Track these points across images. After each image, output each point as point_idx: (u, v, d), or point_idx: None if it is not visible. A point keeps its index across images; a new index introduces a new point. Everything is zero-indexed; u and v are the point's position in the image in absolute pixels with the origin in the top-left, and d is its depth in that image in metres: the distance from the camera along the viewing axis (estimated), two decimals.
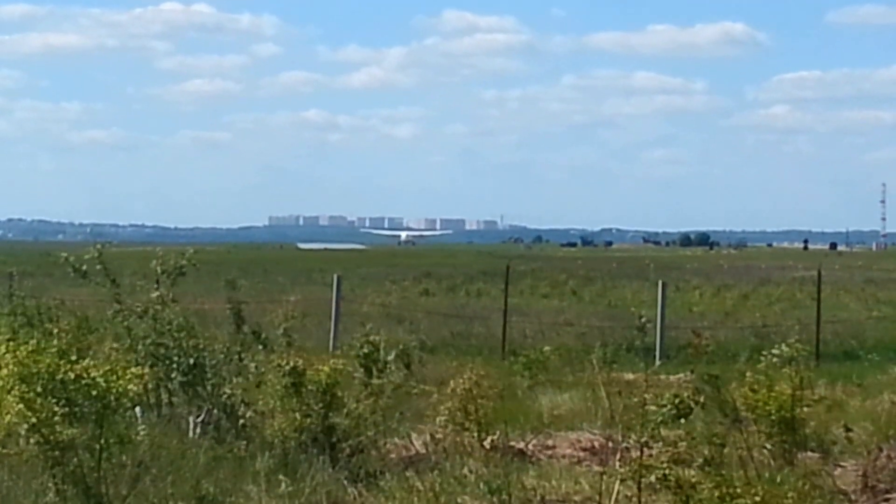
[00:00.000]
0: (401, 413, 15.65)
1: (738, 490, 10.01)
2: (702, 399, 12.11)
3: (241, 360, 15.61)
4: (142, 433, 12.90)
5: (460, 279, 61.01)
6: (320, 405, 14.07)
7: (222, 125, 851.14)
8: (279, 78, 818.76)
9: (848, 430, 15.37)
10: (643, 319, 27.17)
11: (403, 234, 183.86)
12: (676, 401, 11.70)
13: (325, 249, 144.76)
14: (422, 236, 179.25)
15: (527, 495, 12.48)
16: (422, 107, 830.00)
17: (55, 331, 12.55)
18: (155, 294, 15.88)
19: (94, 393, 11.81)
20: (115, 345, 15.21)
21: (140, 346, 15.13)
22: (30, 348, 11.92)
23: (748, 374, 14.54)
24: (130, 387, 11.93)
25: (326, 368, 14.08)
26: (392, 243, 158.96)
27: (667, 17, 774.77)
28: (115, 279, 16.28)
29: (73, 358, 12.11)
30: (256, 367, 15.39)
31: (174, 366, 15.07)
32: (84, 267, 16.42)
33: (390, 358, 17.91)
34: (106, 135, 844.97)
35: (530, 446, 15.47)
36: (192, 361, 15.03)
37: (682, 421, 11.92)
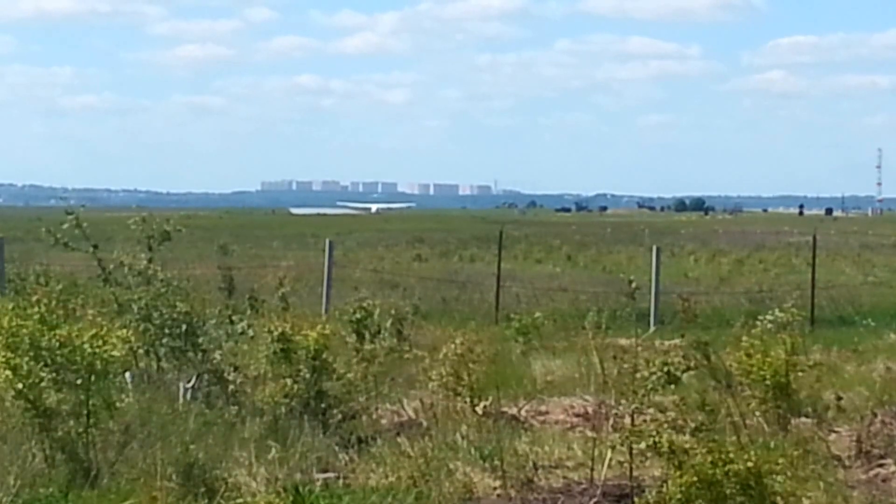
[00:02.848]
0: (392, 379, 15.58)
1: (731, 455, 9.93)
2: (692, 364, 12.02)
3: (231, 323, 15.51)
4: (130, 399, 12.82)
5: (453, 244, 60.92)
6: (310, 370, 13.98)
7: (215, 90, 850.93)
8: (272, 43, 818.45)
9: (839, 398, 15.31)
10: (633, 285, 27.07)
11: (374, 207, 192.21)
12: (664, 368, 11.62)
13: (318, 214, 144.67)
14: (389, 209, 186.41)
15: (519, 461, 12.40)
16: (415, 72, 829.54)
17: (35, 297, 12.43)
18: (143, 262, 15.74)
19: (79, 358, 11.72)
20: (102, 310, 15.10)
21: (128, 312, 15.02)
22: (11, 313, 11.81)
23: (743, 339, 14.47)
24: (115, 353, 11.84)
25: (314, 334, 13.97)
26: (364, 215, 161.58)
27: None
28: (96, 245, 16.12)
29: (56, 323, 11.99)
30: (243, 332, 15.27)
31: (164, 331, 14.97)
32: (63, 237, 16.24)
33: (387, 325, 17.85)
34: (98, 100, 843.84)
35: (523, 412, 15.39)
36: (182, 327, 14.93)
37: (673, 387, 11.84)
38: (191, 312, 15.04)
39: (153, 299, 15.10)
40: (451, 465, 12.22)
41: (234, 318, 15.70)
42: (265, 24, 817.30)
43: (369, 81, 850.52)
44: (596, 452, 12.11)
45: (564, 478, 12.40)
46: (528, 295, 31.33)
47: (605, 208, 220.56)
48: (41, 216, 65.86)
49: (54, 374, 11.85)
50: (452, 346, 14.63)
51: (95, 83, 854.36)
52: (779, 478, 9.97)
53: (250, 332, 15.21)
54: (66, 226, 16.17)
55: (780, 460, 10.15)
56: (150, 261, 15.71)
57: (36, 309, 12.06)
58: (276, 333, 14.02)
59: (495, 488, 11.94)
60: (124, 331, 12.33)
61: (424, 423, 14.27)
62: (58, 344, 11.76)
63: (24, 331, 11.73)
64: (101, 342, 11.78)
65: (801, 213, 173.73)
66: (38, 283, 18.11)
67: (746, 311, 25.78)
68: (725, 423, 12.50)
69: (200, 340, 14.91)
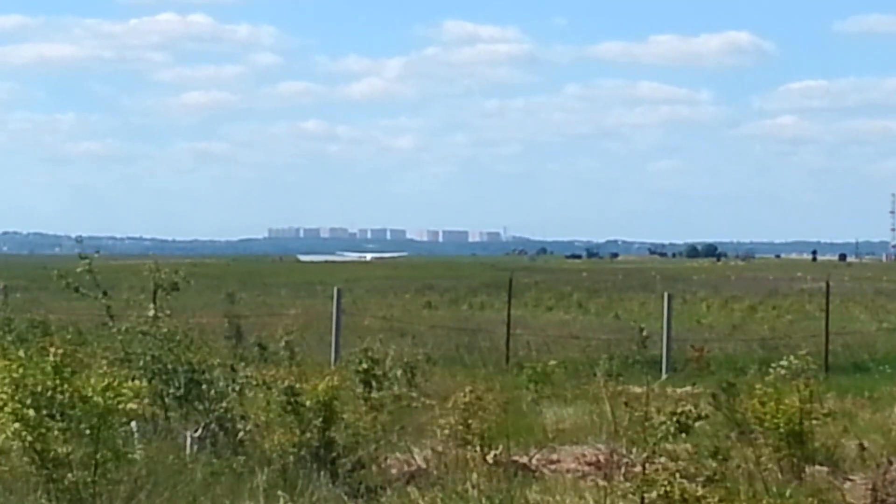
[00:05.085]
0: (402, 427, 15.45)
1: None
2: (704, 413, 11.88)
3: (234, 371, 15.38)
4: (138, 449, 12.69)
5: (463, 292, 60.87)
6: (319, 420, 13.87)
7: (220, 136, 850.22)
8: (278, 88, 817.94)
9: (862, 447, 15.16)
10: (644, 332, 26.98)
11: (368, 256, 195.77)
12: (675, 417, 11.49)
13: (327, 262, 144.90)
14: (382, 258, 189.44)
15: None
16: (423, 117, 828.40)
17: (48, 346, 12.34)
18: (150, 312, 15.63)
19: (90, 409, 11.60)
20: (110, 357, 15.00)
21: (135, 361, 14.92)
22: (21, 363, 11.70)
23: (756, 386, 14.36)
24: (131, 405, 11.72)
25: (323, 385, 13.85)
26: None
27: (670, 27, 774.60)
28: (106, 292, 16.01)
29: (68, 373, 11.87)
30: (245, 382, 15.13)
31: (171, 380, 14.85)
32: (73, 281, 16.12)
33: (398, 373, 17.73)
34: (102, 147, 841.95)
35: (534, 461, 15.25)
36: (189, 376, 14.82)
37: (684, 435, 11.70)
38: (193, 362, 14.93)
39: (159, 348, 15.00)
40: None
41: (235, 366, 15.56)
42: (270, 70, 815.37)
43: (376, 127, 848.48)
44: (608, 502, 11.96)
45: None
46: (538, 342, 31.19)
47: (616, 255, 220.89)
48: (46, 264, 65.90)
49: (63, 425, 11.73)
50: (462, 394, 14.52)
51: (99, 130, 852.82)
52: None
53: (252, 382, 15.08)
54: (79, 269, 16.06)
55: None
56: (157, 310, 15.60)
57: (49, 359, 11.93)
58: (283, 387, 13.90)
59: None
60: (135, 382, 12.21)
61: (434, 473, 14.14)
62: (69, 395, 11.63)
63: (34, 381, 11.61)
64: (112, 394, 11.66)
65: (814, 259, 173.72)
66: (43, 335, 17.99)
67: (760, 358, 25.66)
68: (739, 471, 12.35)
69: (205, 388, 14.80)
